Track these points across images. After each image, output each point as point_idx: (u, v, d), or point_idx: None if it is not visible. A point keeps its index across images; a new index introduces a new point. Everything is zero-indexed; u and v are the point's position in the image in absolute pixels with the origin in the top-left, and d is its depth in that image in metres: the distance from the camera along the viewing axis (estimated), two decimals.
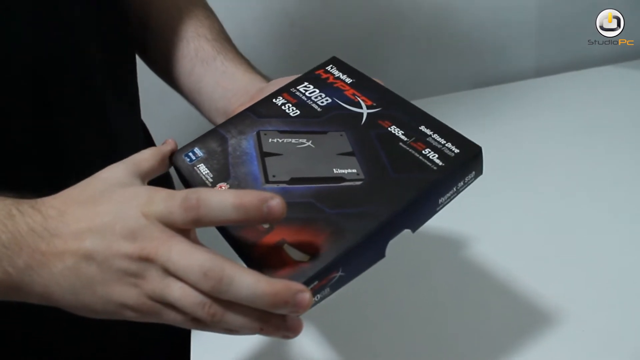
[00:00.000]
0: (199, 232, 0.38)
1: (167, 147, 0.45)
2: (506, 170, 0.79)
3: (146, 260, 0.34)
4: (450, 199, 0.41)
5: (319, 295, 0.36)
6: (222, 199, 0.34)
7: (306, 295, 0.33)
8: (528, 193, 0.75)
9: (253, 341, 0.60)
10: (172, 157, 0.46)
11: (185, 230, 0.36)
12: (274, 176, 0.42)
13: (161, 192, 0.36)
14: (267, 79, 0.55)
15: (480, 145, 0.41)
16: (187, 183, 0.44)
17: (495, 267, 0.64)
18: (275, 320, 0.34)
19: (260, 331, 0.35)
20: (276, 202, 0.34)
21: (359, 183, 0.40)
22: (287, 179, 0.42)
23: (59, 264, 0.35)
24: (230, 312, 0.34)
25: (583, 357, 0.54)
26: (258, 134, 0.46)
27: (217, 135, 0.47)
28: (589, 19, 0.91)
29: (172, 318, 0.35)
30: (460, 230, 0.70)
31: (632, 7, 0.93)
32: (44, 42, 0.47)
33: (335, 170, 0.41)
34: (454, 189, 0.40)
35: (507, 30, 1.04)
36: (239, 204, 0.34)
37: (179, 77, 0.58)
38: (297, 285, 0.33)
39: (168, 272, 0.34)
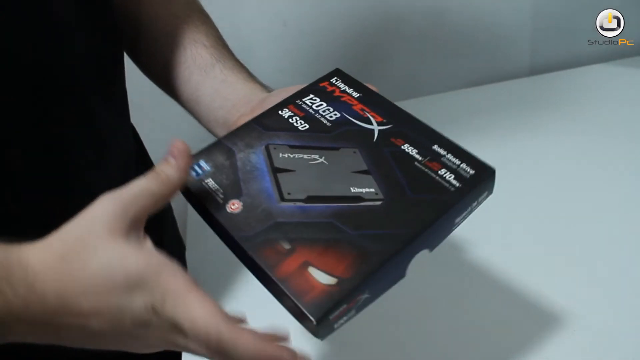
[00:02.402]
0: (201, 241, 0.38)
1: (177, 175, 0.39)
2: (500, 169, 0.79)
3: None
4: (464, 218, 0.41)
5: (345, 317, 0.36)
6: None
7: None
8: (523, 192, 0.75)
9: None
10: None
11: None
12: (289, 194, 0.41)
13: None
14: (268, 89, 0.53)
15: (478, 144, 0.41)
16: (194, 198, 0.43)
17: (492, 267, 0.65)
18: None
19: None
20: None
21: (378, 203, 0.40)
22: (303, 197, 0.41)
23: (64, 333, 0.35)
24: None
25: (582, 356, 0.55)
26: (267, 148, 0.44)
27: (222, 147, 0.45)
28: (584, 17, 0.91)
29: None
30: (455, 230, 0.70)
31: (632, 7, 0.93)
32: (30, 46, 0.44)
33: (352, 189, 0.41)
34: (469, 209, 0.41)
35: (502, 28, 1.03)
36: None
37: (176, 85, 0.56)
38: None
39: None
